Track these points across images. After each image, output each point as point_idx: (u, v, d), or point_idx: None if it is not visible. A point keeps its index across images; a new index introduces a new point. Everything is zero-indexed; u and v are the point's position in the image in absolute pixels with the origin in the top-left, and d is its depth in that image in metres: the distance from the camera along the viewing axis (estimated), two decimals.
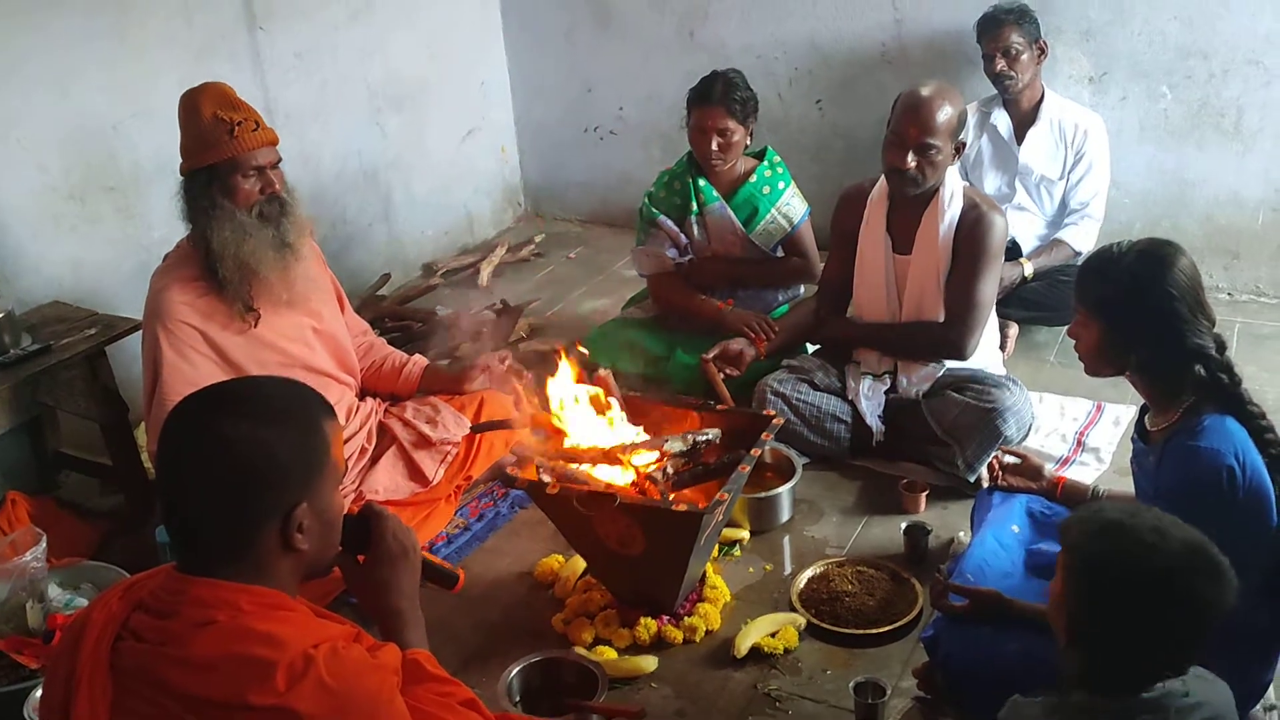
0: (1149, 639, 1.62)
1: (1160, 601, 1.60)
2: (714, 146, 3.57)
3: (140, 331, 2.93)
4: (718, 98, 3.53)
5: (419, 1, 4.78)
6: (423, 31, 4.83)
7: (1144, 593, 1.61)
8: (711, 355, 3.47)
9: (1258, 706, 2.24)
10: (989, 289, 3.19)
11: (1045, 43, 3.98)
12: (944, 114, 3.01)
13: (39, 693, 2.30)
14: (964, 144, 3.14)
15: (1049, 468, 2.77)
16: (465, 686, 1.65)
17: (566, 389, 2.70)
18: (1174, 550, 1.61)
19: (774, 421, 2.78)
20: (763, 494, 3.07)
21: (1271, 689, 2.27)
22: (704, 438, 2.68)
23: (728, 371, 3.47)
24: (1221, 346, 2.13)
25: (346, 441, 3.02)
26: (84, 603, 2.63)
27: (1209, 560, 1.62)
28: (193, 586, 1.49)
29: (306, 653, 1.43)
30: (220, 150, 2.72)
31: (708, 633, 2.69)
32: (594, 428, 2.71)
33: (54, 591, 2.68)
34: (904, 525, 2.95)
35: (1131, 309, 2.13)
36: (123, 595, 1.54)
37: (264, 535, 1.50)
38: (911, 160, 3.04)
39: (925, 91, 3.04)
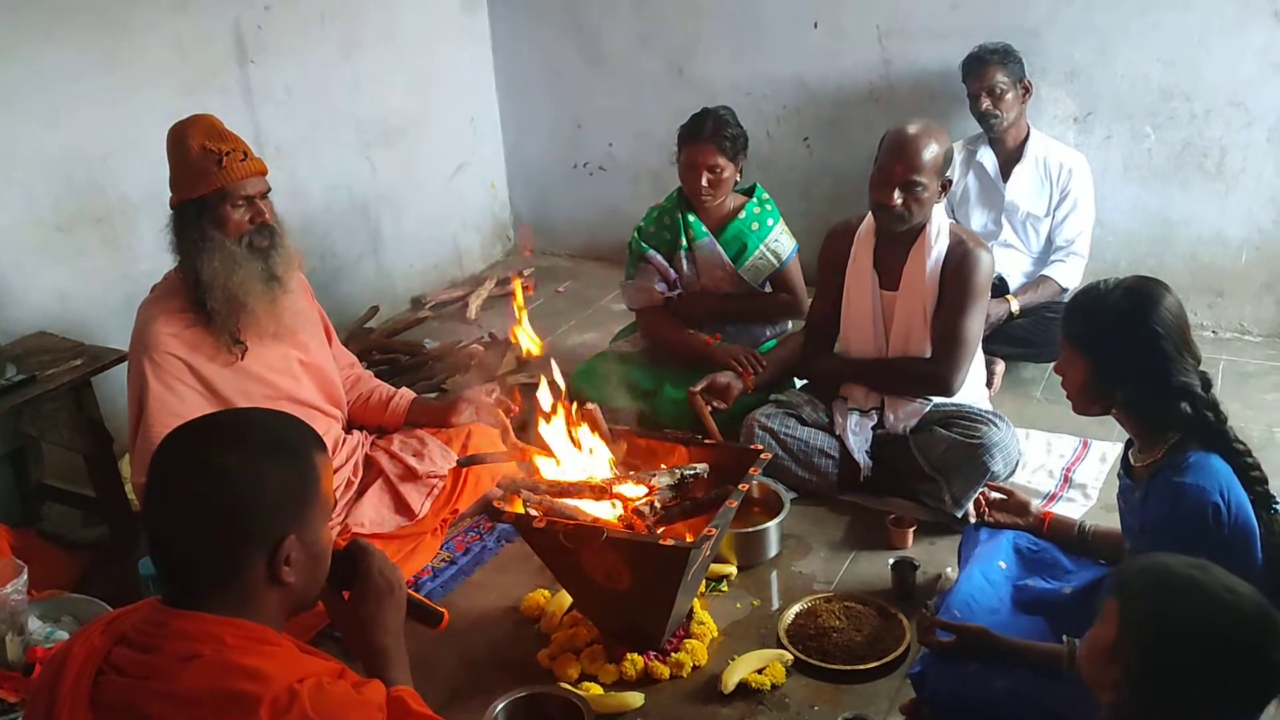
0: (1210, 701, 1.55)
1: (1231, 662, 1.53)
2: (704, 182, 3.59)
3: (126, 363, 2.92)
4: (708, 134, 3.56)
5: (410, 38, 4.82)
6: (413, 67, 4.86)
7: (1217, 653, 1.53)
8: (699, 388, 3.48)
9: None
10: (975, 325, 3.21)
11: (1030, 82, 4.03)
12: (929, 151, 3.04)
13: None
14: (950, 181, 3.16)
15: (1036, 504, 2.78)
16: None
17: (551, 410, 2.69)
18: (1249, 610, 1.54)
19: (762, 456, 2.78)
20: (750, 529, 3.06)
21: None
22: (691, 472, 2.67)
23: (715, 404, 3.48)
24: (1207, 384, 2.14)
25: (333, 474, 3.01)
26: (65, 636, 2.60)
27: (1276, 623, 1.56)
28: (177, 620, 1.48)
29: (291, 688, 1.42)
30: (209, 181, 2.72)
31: (694, 668, 2.68)
32: (581, 461, 2.70)
33: (34, 624, 2.65)
34: (891, 561, 2.95)
35: (1117, 346, 2.14)
36: (105, 629, 1.53)
37: (251, 568, 1.50)
38: (897, 197, 3.06)
39: (911, 129, 3.07)
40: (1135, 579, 1.65)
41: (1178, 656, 1.54)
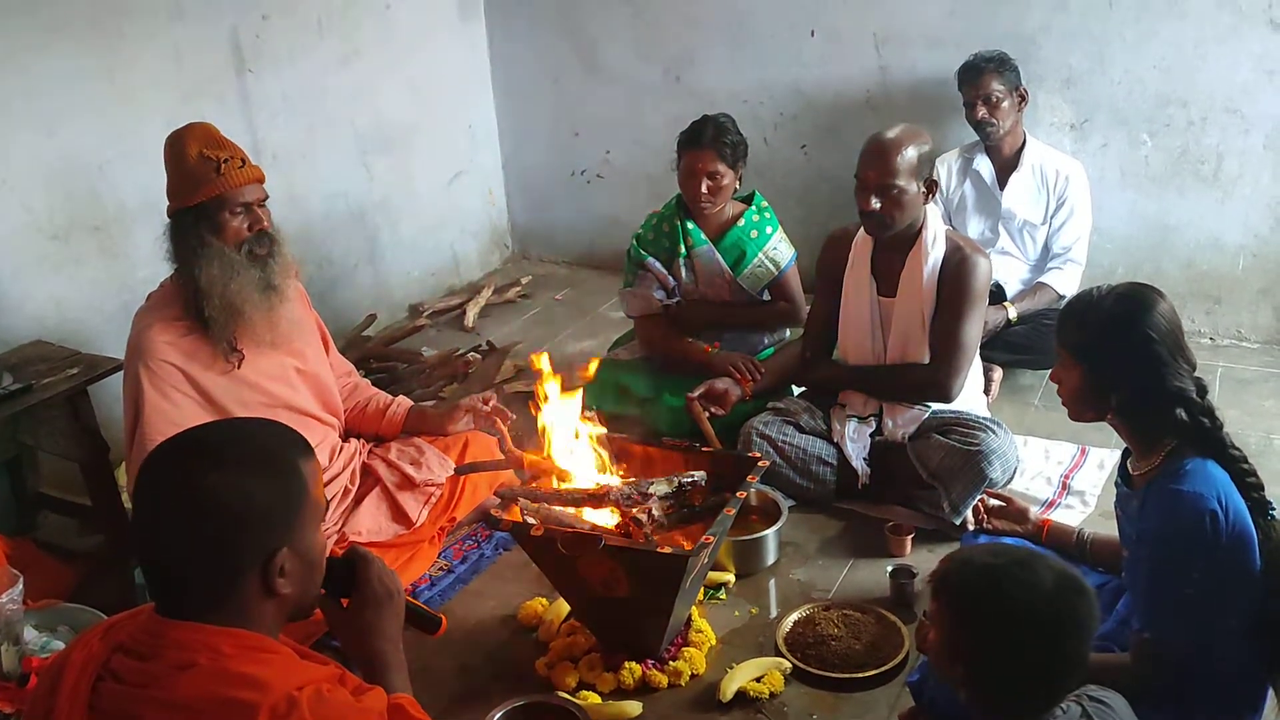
0: (1042, 664, 1.70)
1: (1045, 626, 1.69)
2: (703, 189, 3.59)
3: (122, 371, 2.91)
4: (708, 141, 3.56)
5: (408, 46, 4.82)
6: (411, 76, 4.87)
7: (1029, 622, 1.69)
8: (697, 394, 3.47)
9: None
10: (974, 330, 3.21)
11: (1025, 90, 4.04)
12: (903, 155, 3.04)
13: None
14: (935, 183, 3.16)
15: (1034, 511, 2.77)
16: None
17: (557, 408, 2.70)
18: (1044, 578, 1.71)
19: (759, 464, 2.78)
20: (748, 537, 3.06)
21: None
22: (689, 480, 2.67)
23: (713, 410, 3.47)
24: (1202, 390, 2.14)
25: (329, 483, 3.00)
26: (60, 645, 2.59)
27: (1074, 580, 1.73)
28: (172, 630, 1.47)
29: (290, 695, 1.41)
30: (208, 188, 2.72)
31: (693, 677, 2.67)
32: (579, 469, 2.70)
33: (30, 634, 2.64)
34: (890, 568, 2.95)
35: (1111, 352, 2.13)
36: (103, 636, 1.52)
37: (245, 582, 1.48)
38: (875, 202, 3.07)
39: (886, 135, 3.09)
40: (945, 580, 1.81)
41: (997, 638, 1.71)
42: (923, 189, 3.11)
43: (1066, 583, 1.72)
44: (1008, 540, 2.59)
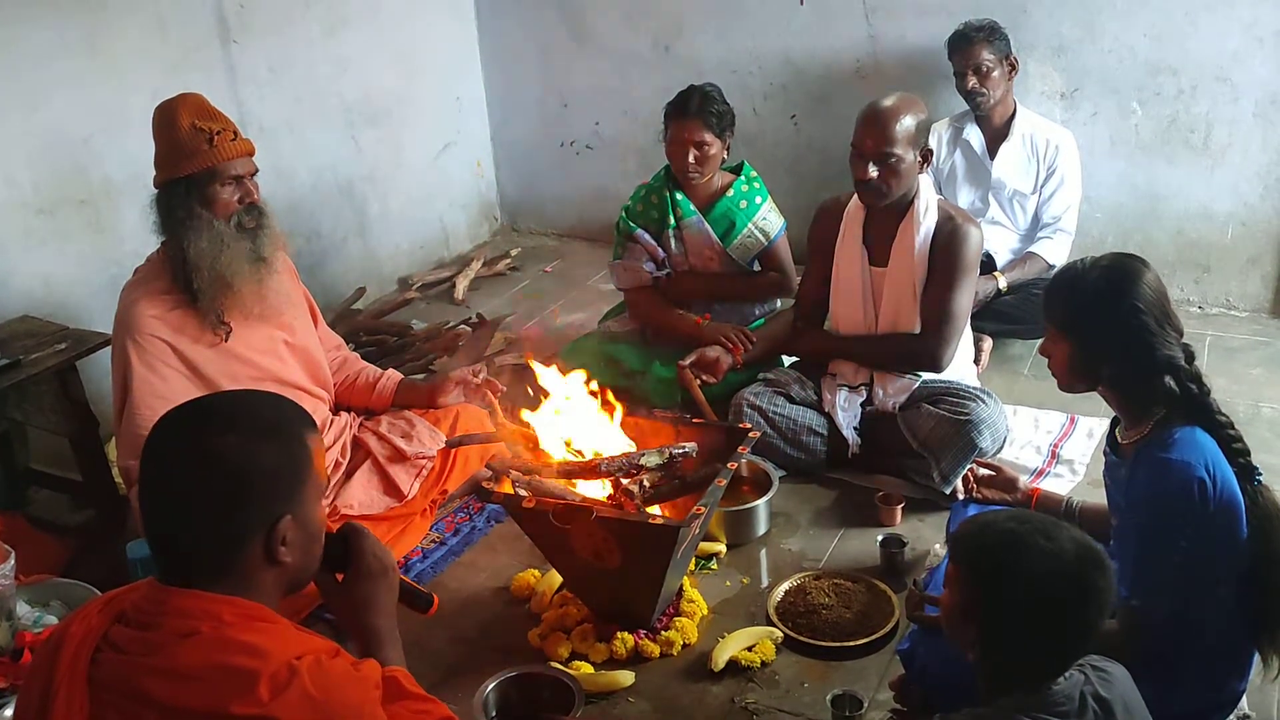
0: (1056, 632, 1.72)
1: (1064, 595, 1.70)
2: (691, 159, 3.58)
3: (110, 346, 2.90)
4: (695, 110, 3.54)
5: (394, 17, 4.78)
6: (398, 46, 4.83)
7: (1049, 590, 1.70)
8: (688, 362, 3.49)
9: (1231, 716, 2.25)
10: (964, 300, 3.21)
11: (1016, 59, 4.02)
12: (901, 123, 3.03)
13: (9, 711, 2.27)
14: (931, 151, 3.16)
15: (1023, 480, 2.79)
16: (442, 704, 1.64)
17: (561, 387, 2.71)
18: (1067, 549, 1.72)
19: (750, 435, 2.78)
20: (739, 507, 3.07)
21: (1245, 699, 2.28)
22: (680, 451, 2.68)
23: (704, 379, 3.49)
24: (1190, 356, 2.15)
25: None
26: (53, 620, 2.60)
27: (1096, 553, 1.73)
28: (175, 598, 1.48)
29: (290, 663, 1.42)
30: (200, 160, 2.71)
31: (685, 646, 2.69)
32: (571, 440, 2.70)
33: (22, 609, 2.64)
34: (880, 538, 2.96)
35: (1099, 325, 2.14)
36: (103, 609, 1.53)
37: (248, 549, 1.50)
38: (873, 170, 3.06)
39: (883, 103, 3.07)
40: (965, 542, 1.82)
41: (1015, 603, 1.72)
42: (919, 158, 3.10)
43: (1087, 554, 1.72)
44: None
